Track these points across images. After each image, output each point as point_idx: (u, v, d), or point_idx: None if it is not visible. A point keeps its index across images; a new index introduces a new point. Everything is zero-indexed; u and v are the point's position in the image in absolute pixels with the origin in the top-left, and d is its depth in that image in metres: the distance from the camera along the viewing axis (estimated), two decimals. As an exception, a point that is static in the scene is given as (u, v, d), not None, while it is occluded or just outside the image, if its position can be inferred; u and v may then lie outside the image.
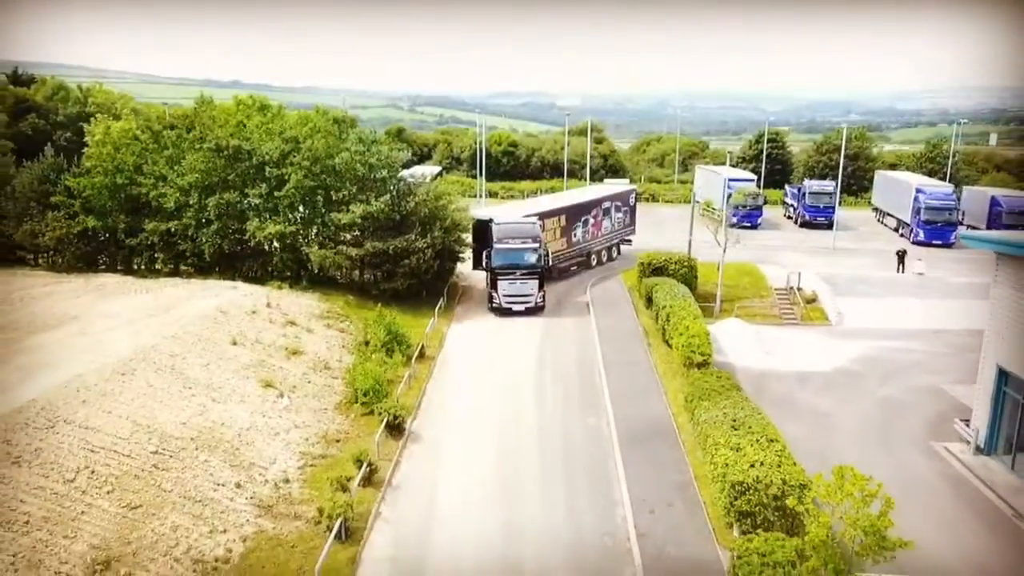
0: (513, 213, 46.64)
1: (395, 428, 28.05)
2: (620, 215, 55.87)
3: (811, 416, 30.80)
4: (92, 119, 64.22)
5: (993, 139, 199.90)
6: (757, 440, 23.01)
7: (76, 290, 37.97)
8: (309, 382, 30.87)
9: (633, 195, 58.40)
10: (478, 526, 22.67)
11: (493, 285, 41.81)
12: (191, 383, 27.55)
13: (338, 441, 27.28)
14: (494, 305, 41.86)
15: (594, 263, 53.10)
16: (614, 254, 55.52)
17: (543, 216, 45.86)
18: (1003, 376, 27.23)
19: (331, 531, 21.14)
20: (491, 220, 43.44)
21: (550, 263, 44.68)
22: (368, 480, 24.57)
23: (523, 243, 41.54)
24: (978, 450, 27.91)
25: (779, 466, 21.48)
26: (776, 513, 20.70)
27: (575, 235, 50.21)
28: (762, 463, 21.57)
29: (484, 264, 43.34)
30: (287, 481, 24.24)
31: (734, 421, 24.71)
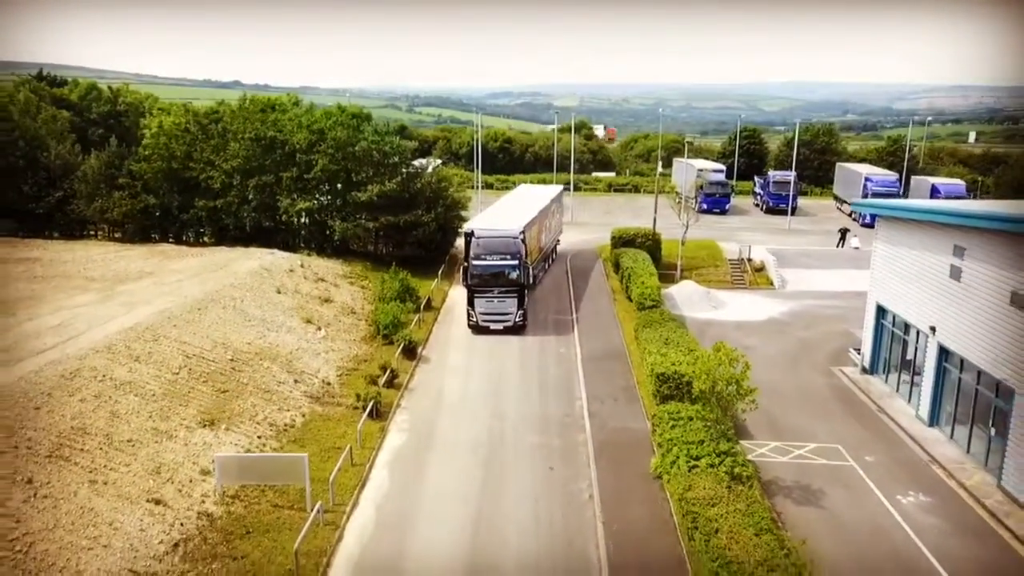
0: (497, 221, 43.62)
1: (410, 352, 36.11)
2: (559, 216, 56.98)
3: (740, 349, 38.69)
4: (126, 116, 72.18)
5: (972, 137, 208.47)
6: (680, 350, 31.00)
7: (143, 255, 45.95)
8: (340, 321, 38.89)
9: (561, 194, 59.05)
10: (473, 411, 30.79)
11: (471, 302, 39.82)
12: (250, 318, 35.50)
13: (365, 361, 35.26)
14: (471, 323, 40.07)
15: (551, 262, 53.91)
16: (555, 254, 55.91)
17: (527, 228, 42.40)
18: (881, 312, 35.18)
19: (365, 410, 29.10)
20: (471, 233, 41.11)
21: (531, 280, 42.52)
22: (390, 383, 32.57)
23: (503, 259, 39.56)
24: (864, 370, 35.89)
25: (693, 364, 29.41)
26: (687, 395, 28.62)
27: (541, 239, 48.88)
28: (679, 363, 29.54)
29: (462, 279, 41.18)
30: (329, 383, 32.24)
31: (666, 340, 32.78)
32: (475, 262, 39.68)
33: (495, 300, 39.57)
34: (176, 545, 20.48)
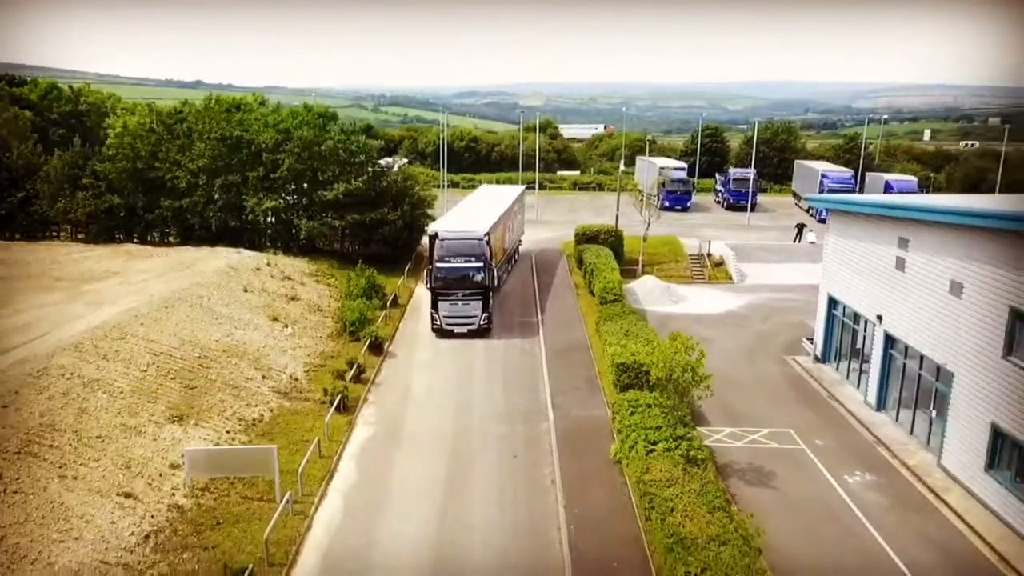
0: (462, 223, 43.42)
1: (376, 348, 36.68)
2: (521, 216, 56.84)
3: (695, 338, 39.93)
4: (88, 116, 71.56)
5: (927, 135, 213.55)
6: (640, 341, 31.99)
7: (108, 255, 45.88)
8: (306, 319, 39.32)
9: (523, 194, 58.70)
10: (439, 405, 31.48)
11: (434, 305, 39.30)
12: (217, 316, 35.81)
13: (332, 357, 35.74)
14: (435, 326, 39.52)
15: (515, 262, 53.62)
16: (518, 254, 55.81)
17: (492, 229, 42.11)
18: (832, 303, 36.50)
19: (332, 404, 29.64)
20: (435, 235, 40.62)
21: (496, 282, 42.19)
22: (357, 378, 33.13)
23: (467, 261, 39.12)
24: (816, 359, 37.21)
25: (651, 354, 30.40)
26: (646, 384, 29.59)
27: (505, 240, 48.58)
28: (638, 353, 30.52)
29: (426, 282, 40.68)
30: (297, 379, 32.71)
31: (627, 332, 33.76)
32: (439, 264, 39.22)
33: (459, 303, 39.02)
34: (147, 536, 20.92)
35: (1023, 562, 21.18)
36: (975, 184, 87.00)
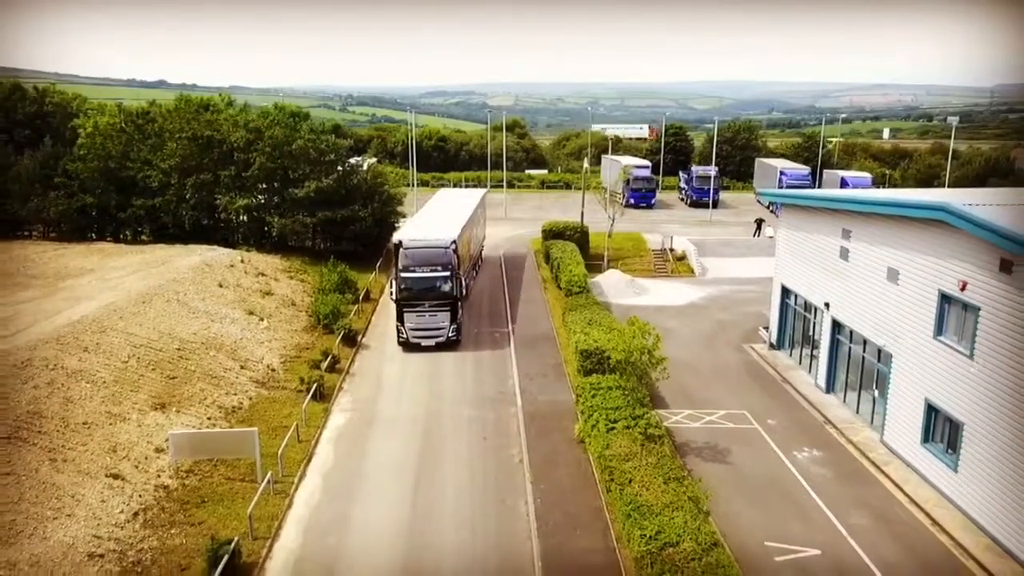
0: (427, 231, 41.27)
1: (350, 340, 37.93)
2: (483, 220, 56.41)
3: (660, 331, 41.52)
4: (53, 116, 71.65)
5: (886, 133, 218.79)
6: (603, 329, 33.63)
7: (82, 253, 46.50)
8: (281, 312, 40.41)
9: (484, 197, 57.34)
10: (411, 394, 32.90)
11: (400, 317, 37.71)
12: (194, 310, 36.79)
13: (307, 349, 36.91)
14: (401, 339, 37.96)
15: (479, 268, 52.81)
16: (482, 260, 54.84)
17: (459, 237, 40.57)
18: (785, 292, 38.45)
19: (308, 392, 30.86)
20: (399, 244, 39.06)
21: (464, 292, 40.32)
22: (332, 368, 34.36)
23: (433, 271, 37.54)
24: (771, 346, 39.16)
25: (611, 341, 32.06)
26: (607, 368, 31.20)
27: (471, 246, 47.87)
28: (600, 340, 32.16)
29: (390, 293, 39.22)
30: (273, 369, 33.88)
31: (590, 321, 35.40)
32: (404, 275, 37.59)
33: (426, 314, 37.53)
34: (136, 514, 22.05)
35: (952, 524, 23.12)
36: (928, 180, 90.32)
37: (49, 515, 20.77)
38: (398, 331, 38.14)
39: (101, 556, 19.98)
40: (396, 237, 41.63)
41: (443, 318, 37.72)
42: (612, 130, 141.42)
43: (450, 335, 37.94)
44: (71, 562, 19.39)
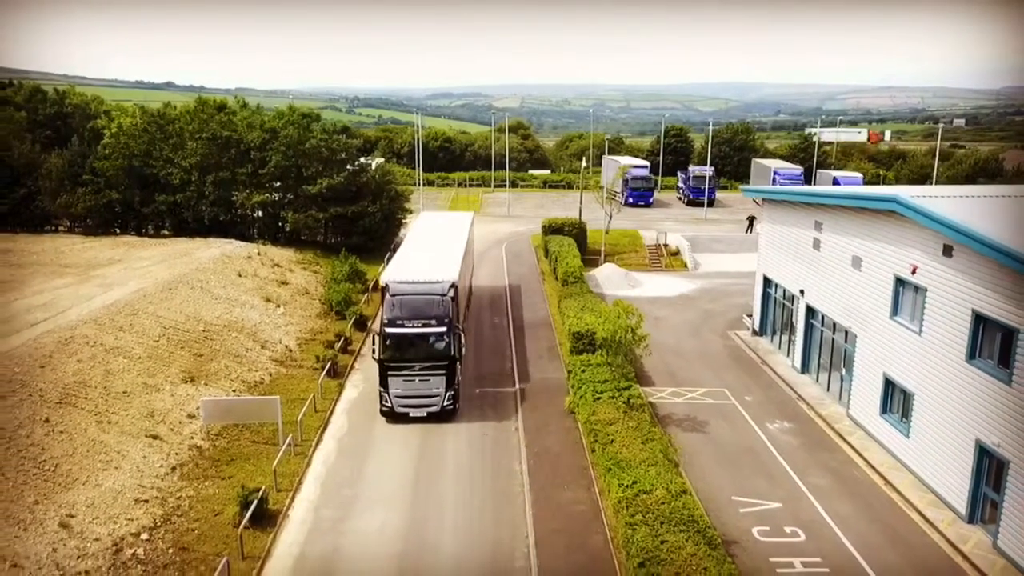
0: (418, 270, 33.37)
1: (361, 325, 40.76)
2: (472, 249, 47.44)
3: (651, 319, 44.34)
4: (72, 117, 74.68)
5: (887, 135, 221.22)
6: (594, 314, 36.39)
7: (109, 245, 49.53)
8: (296, 300, 43.29)
9: (473, 221, 48.17)
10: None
11: (383, 382, 29.87)
12: (216, 296, 39.68)
13: (321, 333, 39.77)
14: (385, 408, 30.04)
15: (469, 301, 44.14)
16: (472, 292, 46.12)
17: (459, 277, 33.47)
18: (767, 282, 41.14)
19: (323, 369, 33.69)
20: (386, 287, 31.66)
21: (463, 351, 31.59)
22: (344, 349, 37.20)
23: (426, 325, 29.79)
24: (754, 333, 41.85)
25: (600, 323, 34.82)
26: (597, 348, 33.95)
27: (467, 281, 41.90)
28: (590, 323, 34.94)
29: (372, 351, 30.83)
30: (291, 349, 36.75)
31: (583, 307, 38.17)
32: (390, 330, 29.74)
33: (416, 379, 29.71)
34: (174, 468, 24.90)
35: (903, 483, 25.81)
36: (920, 180, 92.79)
37: (99, 467, 23.61)
38: (381, 398, 30.14)
39: (146, 501, 22.84)
40: (384, 277, 33.42)
41: (437, 383, 29.81)
42: (827, 135, 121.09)
43: (445, 404, 30.04)
44: (121, 505, 22.23)
